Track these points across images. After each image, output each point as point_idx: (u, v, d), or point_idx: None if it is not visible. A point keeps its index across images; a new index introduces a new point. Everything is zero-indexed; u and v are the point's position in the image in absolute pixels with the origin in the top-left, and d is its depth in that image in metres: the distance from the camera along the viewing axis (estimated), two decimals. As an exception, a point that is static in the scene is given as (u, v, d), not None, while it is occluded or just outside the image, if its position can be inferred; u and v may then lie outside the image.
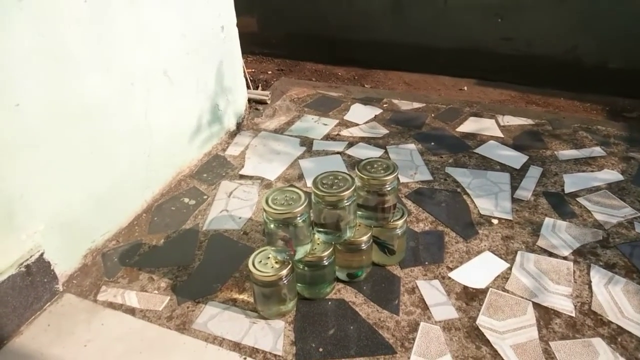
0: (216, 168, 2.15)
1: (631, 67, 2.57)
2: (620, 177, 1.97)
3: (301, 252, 1.37)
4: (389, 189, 1.43)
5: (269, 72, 3.23)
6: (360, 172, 1.43)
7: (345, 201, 1.36)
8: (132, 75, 1.73)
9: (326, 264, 1.43)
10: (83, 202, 1.62)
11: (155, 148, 1.90)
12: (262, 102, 2.69)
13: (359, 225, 1.49)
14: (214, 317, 1.46)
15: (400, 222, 1.52)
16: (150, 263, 1.67)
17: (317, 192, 1.35)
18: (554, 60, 2.72)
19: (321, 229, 1.42)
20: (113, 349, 1.37)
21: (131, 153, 1.80)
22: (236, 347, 1.36)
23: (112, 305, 1.51)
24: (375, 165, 1.45)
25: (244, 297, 1.52)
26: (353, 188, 1.36)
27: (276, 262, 1.38)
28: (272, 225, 1.33)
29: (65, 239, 1.57)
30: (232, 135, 2.40)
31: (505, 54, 2.81)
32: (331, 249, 1.43)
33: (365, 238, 1.47)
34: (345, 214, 1.38)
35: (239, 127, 2.46)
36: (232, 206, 1.91)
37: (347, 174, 1.41)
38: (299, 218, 1.31)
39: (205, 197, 1.98)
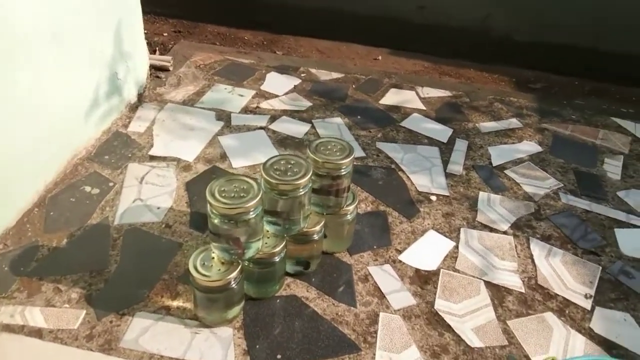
0: (119, 148, 1.84)
1: (534, 40, 2.69)
2: (539, 148, 2.04)
3: (252, 250, 1.19)
4: (344, 173, 1.29)
5: (165, 34, 2.86)
6: (314, 154, 1.27)
7: (301, 189, 1.20)
8: (12, 37, 1.36)
9: (277, 260, 1.26)
10: (-46, 201, 1.26)
11: (43, 127, 1.55)
12: (163, 69, 2.36)
13: (310, 214, 1.35)
14: (146, 330, 1.23)
15: (351, 208, 1.40)
16: (53, 270, 1.36)
17: (269, 179, 1.17)
18: (465, 31, 2.75)
19: (272, 220, 1.25)
20: (19, 387, 1.09)
21: (13, 134, 1.44)
22: (180, 365, 1.16)
23: (9, 329, 1.21)
24: (329, 146, 1.31)
25: (178, 303, 1.31)
26: (310, 175, 1.20)
27: (222, 263, 1.19)
28: (216, 221, 1.13)
29: None
30: (134, 108, 2.07)
31: (418, 24, 2.78)
32: (283, 244, 1.27)
33: (317, 228, 1.33)
34: (301, 203, 1.22)
35: (141, 98, 2.13)
36: (147, 194, 1.64)
37: (301, 158, 1.25)
38: (251, 213, 1.12)
39: (110, 184, 1.67)
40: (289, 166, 1.21)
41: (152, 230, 1.51)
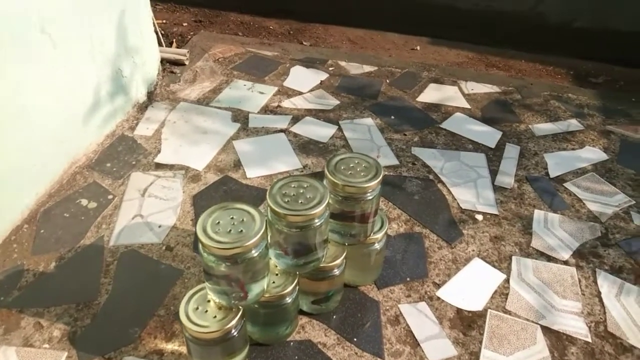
0: (123, 154, 1.66)
1: (595, 27, 2.35)
2: (604, 155, 1.74)
3: (256, 291, 0.98)
4: (370, 197, 1.05)
5: (184, 24, 2.67)
6: (332, 175, 1.04)
7: (316, 220, 0.97)
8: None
9: (289, 301, 1.05)
10: None
11: (35, 133, 1.38)
12: (178, 63, 2.17)
13: (329, 244, 1.12)
14: (132, 381, 1.05)
15: (379, 235, 1.17)
16: (36, 300, 1.19)
17: (277, 210, 0.95)
18: (515, 16, 2.44)
19: (280, 253, 1.03)
20: None
21: (0, 142, 1.27)
22: None
23: (-23, 374, 1.05)
24: (352, 165, 1.07)
25: (173, 346, 1.11)
26: (327, 203, 0.97)
27: (219, 308, 0.98)
28: (212, 262, 0.91)
29: None
30: (142, 108, 1.88)
31: (462, 9, 2.48)
32: (295, 282, 1.05)
33: (338, 262, 1.10)
34: (316, 236, 1.00)
35: (151, 97, 1.94)
36: (149, 209, 1.45)
37: (316, 180, 1.02)
38: (253, 251, 0.90)
39: (110, 196, 1.49)
40: (301, 191, 0.99)
41: (150, 254, 1.32)
